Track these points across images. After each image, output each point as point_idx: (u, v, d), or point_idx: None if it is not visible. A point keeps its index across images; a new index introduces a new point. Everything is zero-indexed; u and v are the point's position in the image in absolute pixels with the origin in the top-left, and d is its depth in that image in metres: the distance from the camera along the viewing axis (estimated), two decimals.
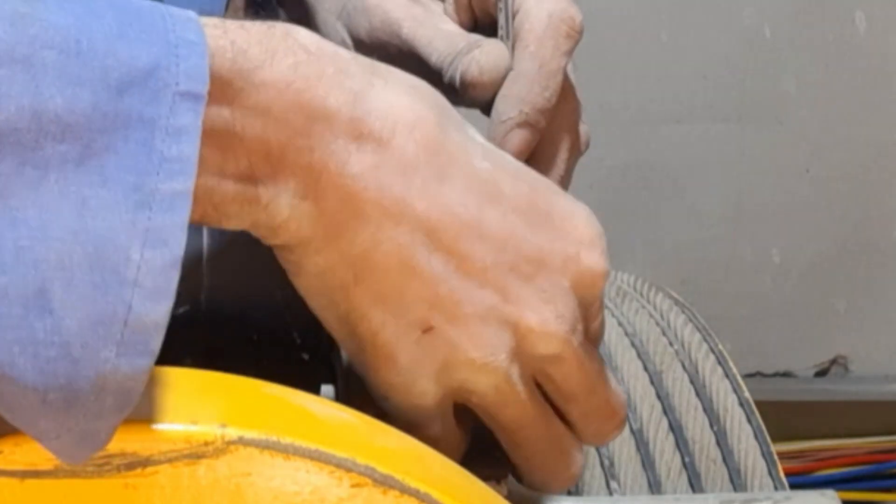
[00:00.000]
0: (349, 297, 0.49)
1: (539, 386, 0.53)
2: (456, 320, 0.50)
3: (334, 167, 0.47)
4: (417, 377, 0.50)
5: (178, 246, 0.41)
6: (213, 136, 0.45)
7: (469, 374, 0.50)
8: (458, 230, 0.50)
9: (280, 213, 0.48)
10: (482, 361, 0.50)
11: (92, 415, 0.41)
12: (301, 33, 0.48)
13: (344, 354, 0.61)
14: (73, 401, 0.40)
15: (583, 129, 0.64)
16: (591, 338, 0.55)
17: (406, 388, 0.51)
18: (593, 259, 0.53)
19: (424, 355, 0.50)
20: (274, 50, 0.47)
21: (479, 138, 0.53)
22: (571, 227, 0.53)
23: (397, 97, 0.49)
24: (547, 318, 0.51)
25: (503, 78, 0.60)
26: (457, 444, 0.54)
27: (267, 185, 0.47)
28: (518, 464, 0.54)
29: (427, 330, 0.50)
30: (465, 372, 0.50)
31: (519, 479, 0.58)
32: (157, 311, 0.41)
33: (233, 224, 0.48)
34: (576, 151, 0.63)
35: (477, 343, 0.50)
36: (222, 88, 0.45)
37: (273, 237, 0.49)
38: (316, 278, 0.49)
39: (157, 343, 0.41)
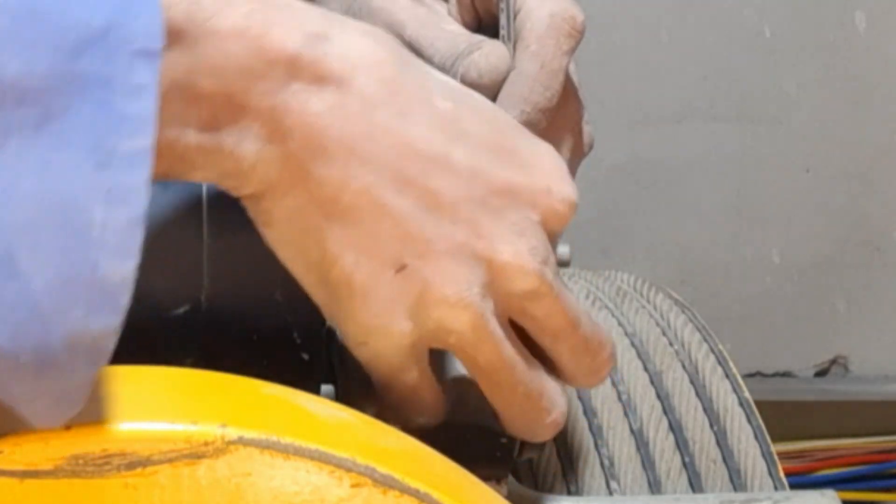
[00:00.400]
0: (321, 240, 0.49)
1: (523, 331, 0.53)
2: (428, 257, 0.50)
3: (297, 108, 0.48)
4: (394, 317, 0.50)
5: (140, 204, 0.41)
6: (173, 88, 0.46)
7: (444, 312, 0.50)
8: (424, 166, 0.50)
9: (245, 158, 0.48)
10: (456, 297, 0.50)
11: (65, 375, 0.41)
12: None
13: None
14: (45, 362, 0.40)
15: (586, 129, 0.64)
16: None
17: (384, 328, 0.50)
18: (564, 191, 0.53)
19: (400, 294, 0.50)
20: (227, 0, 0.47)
21: (443, 78, 0.53)
22: (538, 161, 0.53)
23: (355, 40, 0.50)
24: (521, 252, 0.51)
25: (503, 79, 0.60)
26: (435, 397, 0.54)
27: (230, 131, 0.47)
28: (498, 410, 0.54)
29: (400, 268, 0.50)
30: (440, 309, 0.50)
31: (519, 478, 0.58)
32: (123, 268, 0.41)
33: (199, 175, 0.48)
34: (579, 152, 0.63)
35: (450, 279, 0.50)
36: (178, 39, 0.46)
37: (241, 186, 0.49)
38: (287, 224, 0.49)
39: (125, 300, 0.41)
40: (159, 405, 0.45)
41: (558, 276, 0.53)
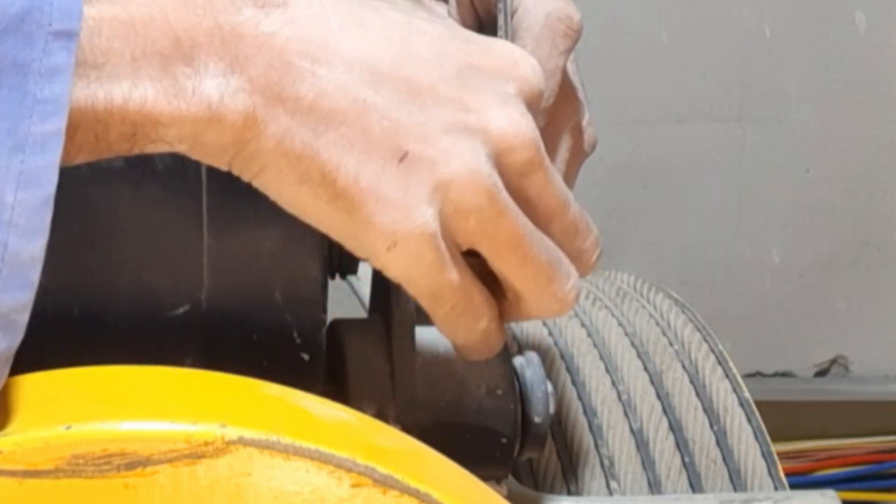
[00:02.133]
0: (317, 155, 0.49)
1: None
2: (426, 139, 0.50)
3: (250, 32, 0.48)
4: (413, 206, 0.50)
5: (50, 185, 0.43)
6: (116, 43, 0.46)
7: (460, 188, 0.50)
8: (391, 58, 0.50)
9: (210, 96, 0.47)
10: (466, 169, 0.50)
11: None
12: None
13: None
14: None
15: (589, 130, 0.64)
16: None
17: (407, 221, 0.50)
18: (530, 62, 0.53)
19: (410, 182, 0.50)
20: None
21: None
22: (497, 47, 0.53)
23: None
24: (514, 117, 0.51)
25: None
26: (487, 296, 0.53)
27: (188, 74, 0.47)
28: (526, 289, 0.53)
29: (403, 157, 0.49)
30: (455, 187, 0.50)
31: (519, 478, 0.58)
32: (32, 247, 0.43)
33: (172, 135, 0.48)
34: (579, 152, 0.63)
35: (455, 153, 0.50)
36: None
37: (220, 137, 0.48)
38: (280, 156, 0.49)
39: (35, 276, 0.44)
40: (159, 405, 0.45)
41: (547, 156, 0.53)
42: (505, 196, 0.51)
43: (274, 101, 0.48)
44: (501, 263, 0.52)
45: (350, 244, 0.51)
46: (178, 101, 0.47)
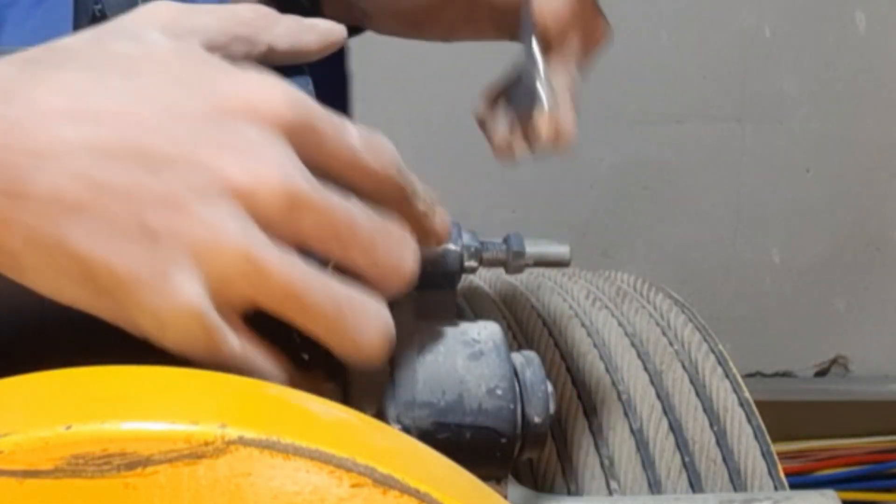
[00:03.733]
0: (69, 248, 0.48)
1: (319, 258, 0.51)
2: (166, 208, 0.48)
3: None
4: (171, 282, 0.48)
5: None
6: None
7: (212, 255, 0.48)
8: (117, 135, 0.48)
9: None
10: (211, 234, 0.48)
11: None
12: None
13: None
14: None
15: (600, 21, 0.68)
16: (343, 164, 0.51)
17: (169, 299, 0.48)
18: (265, 92, 0.50)
19: (167, 258, 0.48)
20: None
21: (124, 51, 0.51)
22: (240, 81, 0.50)
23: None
24: (251, 166, 0.48)
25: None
26: (271, 360, 0.52)
27: None
28: (323, 339, 0.51)
29: (152, 234, 0.48)
30: (208, 254, 0.48)
31: (519, 478, 0.58)
32: None
33: None
34: (592, 41, 0.67)
35: (198, 219, 0.48)
36: None
37: None
38: (31, 251, 0.48)
39: None
40: (159, 405, 0.45)
41: (313, 180, 0.50)
42: (264, 251, 0.48)
43: (8, 199, 0.47)
44: (289, 317, 0.50)
45: (128, 328, 0.49)
46: None
